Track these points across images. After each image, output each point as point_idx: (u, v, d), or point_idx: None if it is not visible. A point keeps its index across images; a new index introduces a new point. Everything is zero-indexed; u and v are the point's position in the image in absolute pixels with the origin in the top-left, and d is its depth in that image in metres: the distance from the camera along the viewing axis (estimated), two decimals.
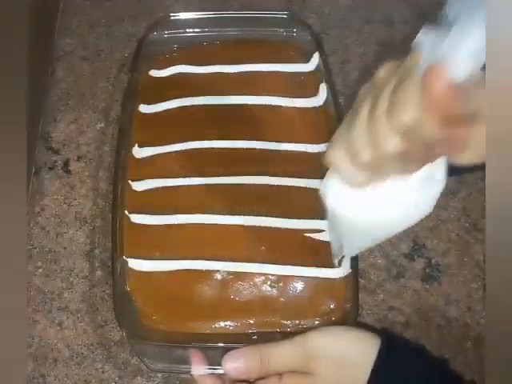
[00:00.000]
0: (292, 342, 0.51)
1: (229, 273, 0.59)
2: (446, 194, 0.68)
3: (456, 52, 0.37)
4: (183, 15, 0.72)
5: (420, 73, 0.38)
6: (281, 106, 0.67)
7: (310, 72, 0.69)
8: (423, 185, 0.43)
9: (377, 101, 0.40)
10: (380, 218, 0.44)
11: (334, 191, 0.45)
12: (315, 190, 0.62)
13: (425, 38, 0.39)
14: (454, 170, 0.43)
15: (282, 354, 0.51)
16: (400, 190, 0.43)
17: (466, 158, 0.42)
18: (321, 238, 0.60)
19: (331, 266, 0.58)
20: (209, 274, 0.59)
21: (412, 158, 0.41)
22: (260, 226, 0.61)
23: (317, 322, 0.57)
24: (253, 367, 0.51)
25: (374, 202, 0.44)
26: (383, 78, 0.41)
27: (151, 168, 0.64)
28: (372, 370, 0.49)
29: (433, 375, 0.50)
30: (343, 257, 0.56)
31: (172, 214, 0.61)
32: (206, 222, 0.61)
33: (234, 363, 0.51)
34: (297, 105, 0.67)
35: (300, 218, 0.61)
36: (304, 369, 0.50)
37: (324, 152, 0.44)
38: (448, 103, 0.37)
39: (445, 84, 0.37)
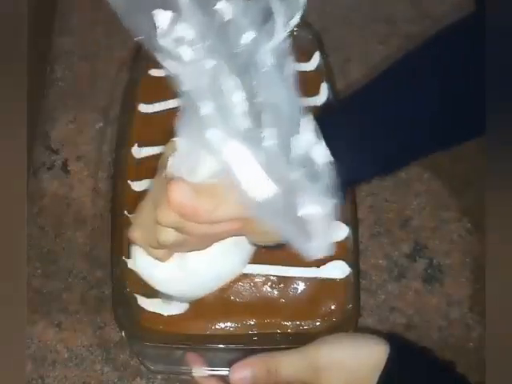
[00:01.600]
0: (300, 352, 0.50)
1: None
2: (448, 194, 0.68)
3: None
4: None
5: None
6: None
7: (310, 71, 0.68)
8: (230, 250, 0.49)
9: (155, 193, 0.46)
10: (198, 280, 0.51)
11: (148, 266, 0.50)
12: None
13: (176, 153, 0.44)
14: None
15: (289, 365, 0.50)
16: (205, 259, 0.49)
17: (259, 241, 0.49)
18: None
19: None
20: None
21: (192, 244, 0.46)
22: None
23: (318, 324, 0.57)
24: (260, 378, 0.50)
25: (183, 271, 0.49)
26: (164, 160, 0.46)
27: (151, 168, 0.64)
28: (379, 379, 0.48)
29: (441, 380, 0.50)
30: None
31: None
32: None
33: (241, 374, 0.50)
34: None
35: None
36: (312, 380, 0.50)
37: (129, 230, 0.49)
38: (189, 210, 0.42)
39: (182, 194, 0.41)
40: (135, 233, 0.48)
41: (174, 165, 0.43)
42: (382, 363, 0.48)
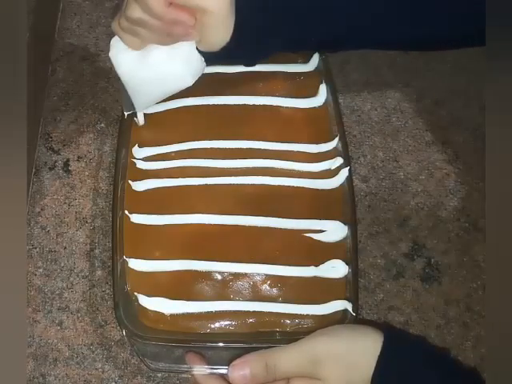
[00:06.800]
0: (297, 346, 0.51)
1: (228, 273, 0.59)
2: (446, 194, 0.68)
3: None
4: None
5: None
6: (281, 106, 0.67)
7: (310, 72, 0.69)
8: (181, 60, 0.57)
9: None
10: (148, 76, 0.59)
11: (120, 54, 0.58)
12: (315, 190, 0.63)
13: None
14: (210, 59, 0.58)
15: (288, 360, 0.51)
16: (163, 59, 0.57)
17: (201, 46, 0.57)
18: (321, 238, 0.60)
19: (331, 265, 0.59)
20: (209, 274, 0.59)
21: (154, 29, 0.54)
22: (260, 226, 0.61)
23: (316, 322, 0.57)
24: (259, 375, 0.51)
25: (145, 63, 0.57)
26: None
27: (151, 168, 0.64)
28: (376, 365, 0.49)
29: (435, 365, 0.50)
30: (134, 113, 0.65)
31: (172, 214, 0.61)
32: (205, 222, 0.61)
33: (240, 371, 0.51)
34: (297, 105, 0.67)
35: (300, 218, 0.61)
36: (311, 373, 0.50)
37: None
38: None
39: None
40: (116, 22, 0.56)
41: None
42: (378, 351, 0.49)
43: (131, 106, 0.63)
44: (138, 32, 0.55)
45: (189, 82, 0.59)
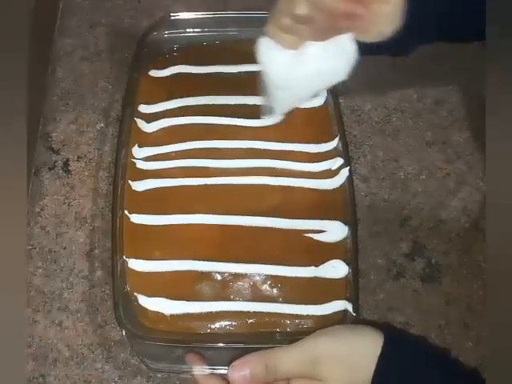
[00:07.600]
0: (297, 346, 0.51)
1: (229, 273, 0.59)
2: (446, 194, 0.68)
3: None
4: (183, 15, 0.72)
5: None
6: None
7: None
8: (337, 54, 0.54)
9: None
10: (304, 76, 0.55)
11: (272, 56, 0.55)
12: (315, 190, 0.63)
13: None
14: (364, 49, 0.54)
15: (288, 360, 0.50)
16: (319, 55, 0.54)
17: (368, 37, 0.54)
18: (321, 239, 0.60)
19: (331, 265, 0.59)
20: (209, 274, 0.59)
21: (319, 25, 0.51)
22: (260, 226, 0.61)
23: (317, 322, 0.57)
24: (259, 375, 0.51)
25: (301, 62, 0.54)
26: None
27: (151, 168, 0.64)
28: (376, 366, 0.49)
29: (436, 365, 0.50)
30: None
31: (172, 214, 0.61)
32: (205, 222, 0.61)
33: (240, 372, 0.51)
34: None
35: (300, 218, 0.61)
36: (311, 374, 0.50)
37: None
38: None
39: None
40: (270, 25, 0.53)
41: None
42: (378, 351, 0.49)
43: (271, 109, 0.60)
44: (298, 30, 0.53)
45: (342, 75, 0.56)
